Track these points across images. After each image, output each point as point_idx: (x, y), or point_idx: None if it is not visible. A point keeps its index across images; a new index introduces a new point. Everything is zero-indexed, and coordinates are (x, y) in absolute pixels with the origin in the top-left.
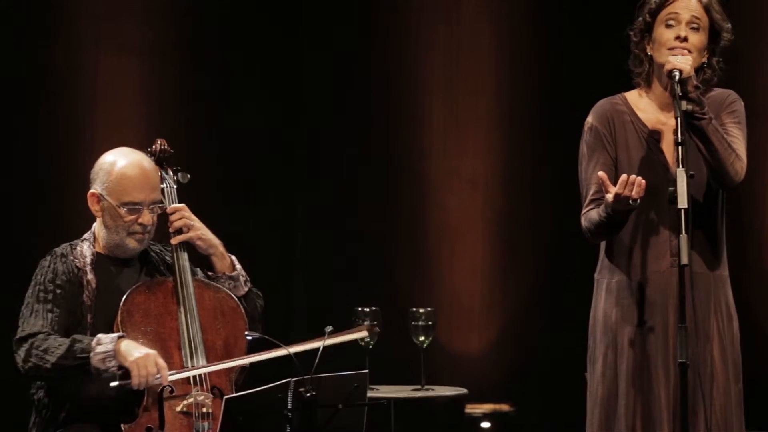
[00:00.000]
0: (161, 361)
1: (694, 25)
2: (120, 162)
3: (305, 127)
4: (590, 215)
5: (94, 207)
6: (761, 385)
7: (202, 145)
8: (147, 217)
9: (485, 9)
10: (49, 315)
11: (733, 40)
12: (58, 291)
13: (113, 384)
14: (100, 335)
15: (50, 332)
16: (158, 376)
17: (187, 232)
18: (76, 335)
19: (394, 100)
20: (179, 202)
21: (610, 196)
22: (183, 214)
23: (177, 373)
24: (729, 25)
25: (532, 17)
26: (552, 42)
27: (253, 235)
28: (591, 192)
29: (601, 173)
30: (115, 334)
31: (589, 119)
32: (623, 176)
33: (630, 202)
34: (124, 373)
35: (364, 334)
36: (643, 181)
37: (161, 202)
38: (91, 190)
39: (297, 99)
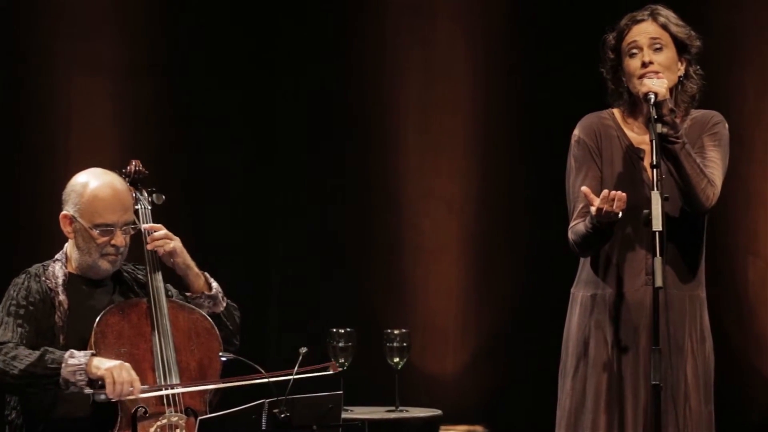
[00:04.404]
0: (134, 373)
1: (656, 46)
2: (92, 183)
3: (281, 148)
4: (577, 228)
5: (66, 228)
6: (733, 407)
7: (177, 166)
8: (120, 239)
9: (460, 32)
10: (19, 329)
11: (705, 52)
12: (31, 308)
13: (88, 391)
14: (72, 350)
15: (19, 344)
16: (131, 388)
17: (167, 252)
18: (48, 347)
19: (369, 123)
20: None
21: (593, 210)
22: (167, 233)
23: (150, 390)
24: (693, 33)
25: (507, 39)
26: (528, 63)
27: (227, 255)
28: (580, 206)
29: (584, 188)
30: (89, 351)
31: (576, 132)
32: (604, 191)
33: (612, 216)
34: (99, 385)
35: (329, 372)
36: (624, 194)
37: (134, 223)
38: (63, 212)
39: (273, 121)
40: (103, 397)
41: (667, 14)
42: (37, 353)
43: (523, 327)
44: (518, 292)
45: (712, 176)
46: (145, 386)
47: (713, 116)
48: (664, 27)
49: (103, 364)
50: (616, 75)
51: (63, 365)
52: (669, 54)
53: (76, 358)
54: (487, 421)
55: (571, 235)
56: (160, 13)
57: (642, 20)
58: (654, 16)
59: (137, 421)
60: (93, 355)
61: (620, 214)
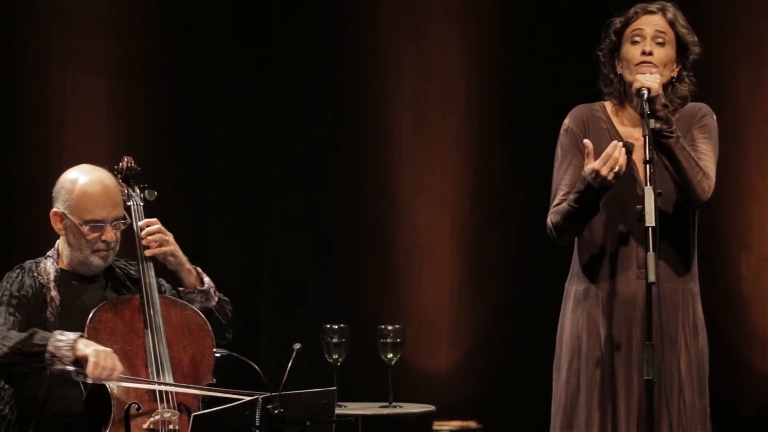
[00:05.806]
0: (119, 364)
1: (660, 40)
2: (81, 180)
3: (274, 145)
4: (559, 208)
5: (57, 225)
6: (727, 402)
7: (171, 163)
8: (110, 234)
9: (454, 28)
10: (11, 318)
11: (701, 54)
12: (24, 300)
13: (69, 368)
14: (63, 330)
15: (12, 329)
16: (111, 373)
17: (161, 247)
18: (37, 329)
19: (363, 119)
20: None
21: (588, 168)
22: (161, 229)
23: (134, 381)
24: (696, 39)
25: (500, 36)
26: (520, 59)
27: (221, 251)
28: (561, 194)
29: (586, 141)
30: (78, 333)
31: (566, 121)
32: (608, 149)
33: (605, 182)
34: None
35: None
36: (624, 155)
37: (124, 218)
38: (54, 209)
39: (266, 117)
40: (82, 376)
41: (676, 13)
42: (26, 333)
43: (516, 323)
44: (511, 287)
45: (707, 169)
46: (131, 377)
47: (701, 108)
48: (672, 24)
49: (90, 345)
50: (612, 59)
51: (51, 339)
52: (669, 51)
53: (65, 335)
54: (480, 416)
55: (551, 218)
56: (153, 11)
57: (652, 12)
58: (664, 12)
59: (130, 418)
60: (81, 336)
61: (614, 181)
